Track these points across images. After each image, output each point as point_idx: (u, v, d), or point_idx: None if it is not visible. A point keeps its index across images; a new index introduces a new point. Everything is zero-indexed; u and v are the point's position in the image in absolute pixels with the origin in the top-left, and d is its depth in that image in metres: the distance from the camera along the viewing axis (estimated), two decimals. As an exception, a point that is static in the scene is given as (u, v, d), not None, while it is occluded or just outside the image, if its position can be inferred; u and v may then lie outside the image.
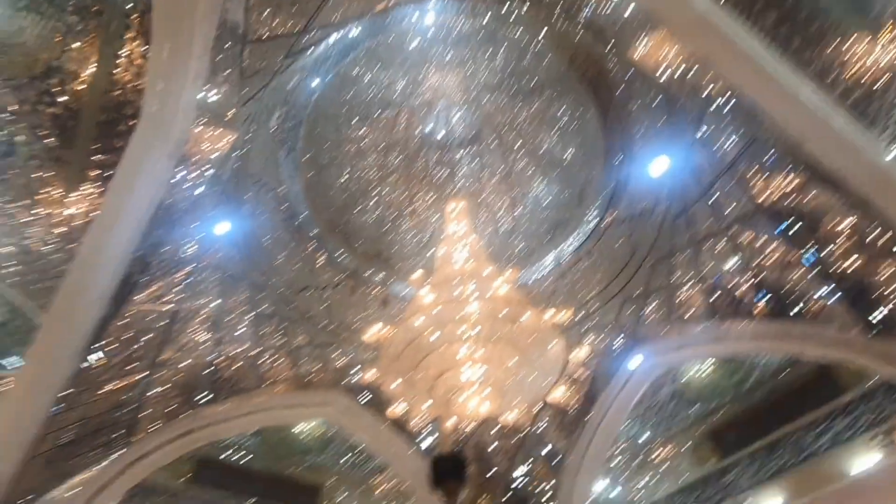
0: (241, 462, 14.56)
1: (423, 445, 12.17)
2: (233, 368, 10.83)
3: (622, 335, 11.73)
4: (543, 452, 11.78)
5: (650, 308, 11.41)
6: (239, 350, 10.86)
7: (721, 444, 13.50)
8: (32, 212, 9.31)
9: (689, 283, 10.82)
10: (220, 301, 10.46)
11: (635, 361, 11.60)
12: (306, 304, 12.01)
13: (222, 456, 14.26)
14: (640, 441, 14.63)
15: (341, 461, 15.34)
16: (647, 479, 14.78)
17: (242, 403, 10.87)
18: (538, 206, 13.99)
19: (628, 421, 13.46)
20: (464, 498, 3.77)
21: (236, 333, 10.83)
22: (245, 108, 8.97)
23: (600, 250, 12.82)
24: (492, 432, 11.82)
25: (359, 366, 11.74)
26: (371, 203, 13.74)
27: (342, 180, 13.23)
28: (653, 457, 14.81)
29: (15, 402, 7.90)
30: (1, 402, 7.97)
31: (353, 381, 11.96)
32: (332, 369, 11.86)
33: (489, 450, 11.82)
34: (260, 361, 11.12)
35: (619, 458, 14.74)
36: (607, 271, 12.37)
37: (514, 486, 11.60)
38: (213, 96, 8.25)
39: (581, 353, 7.76)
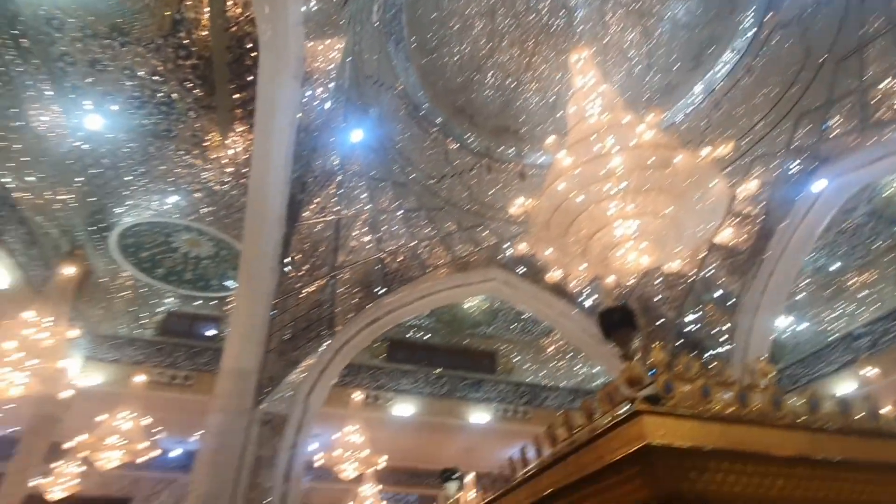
0: (425, 339, 16.59)
1: (586, 304, 12.50)
2: (397, 262, 11.92)
3: (800, 158, 10.20)
4: (715, 296, 11.32)
5: (835, 119, 9.62)
6: (398, 245, 11.83)
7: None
8: (204, 158, 10.71)
9: (890, 78, 8.79)
10: (371, 204, 11.31)
11: (819, 185, 10.13)
12: (448, 192, 12.41)
13: (408, 335, 16.36)
14: (830, 270, 13.25)
15: (511, 328, 16.57)
16: (840, 309, 13.56)
17: (412, 290, 12.05)
18: (676, 29, 12.05)
19: (813, 253, 12.15)
20: (636, 347, 3.84)
21: (392, 230, 11.76)
22: (345, 9, 8.86)
23: (763, 64, 10.85)
24: (655, 283, 11.63)
25: (509, 241, 12.10)
26: (488, 76, 13.13)
27: (454, 59, 12.73)
28: (847, 285, 13.39)
29: (243, 314, 9.76)
30: (236, 315, 9.87)
31: (507, 256, 12.44)
32: (485, 248, 12.39)
33: (655, 300, 11.71)
34: (419, 252, 12.02)
35: (805, 291, 13.61)
36: (774, 86, 10.54)
37: (686, 330, 11.49)
38: (314, 6, 8.26)
39: (750, 186, 6.95)
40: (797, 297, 13.47)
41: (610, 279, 7.34)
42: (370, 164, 11.20)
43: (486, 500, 6.04)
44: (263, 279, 9.51)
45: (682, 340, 11.57)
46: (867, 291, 13.03)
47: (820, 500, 3.57)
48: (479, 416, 14.37)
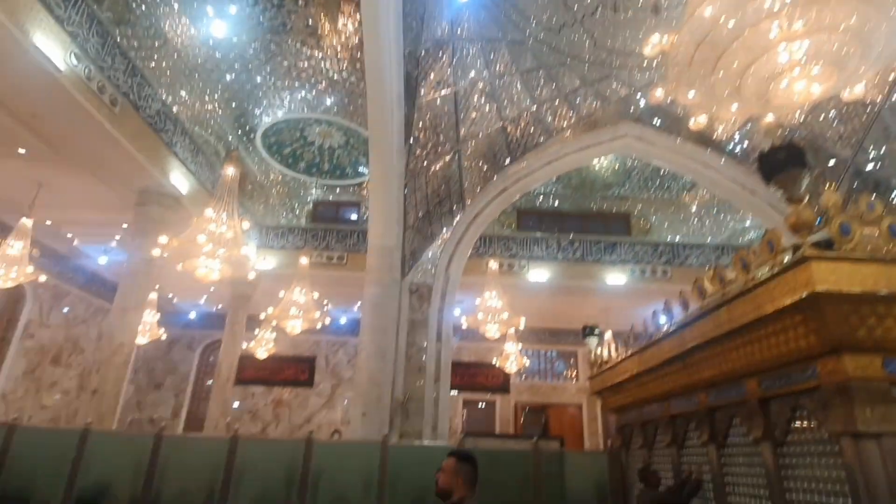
0: (554, 206, 16.39)
1: (737, 151, 11.16)
2: (520, 128, 11.51)
3: None
4: (908, 125, 9.33)
5: None
6: (519, 111, 11.32)
7: None
8: (321, 47, 10.83)
9: None
10: (486, 71, 10.77)
11: None
12: (568, 44, 11.27)
13: (537, 204, 16.29)
14: None
15: (646, 187, 15.59)
16: None
17: (538, 157, 11.70)
18: None
19: None
20: (804, 188, 3.38)
21: (512, 96, 11.21)
22: None
23: None
24: (828, 116, 9.87)
25: (641, 91, 10.91)
26: None
27: None
28: None
29: (379, 196, 10.40)
30: (373, 198, 10.54)
31: (639, 108, 11.33)
32: (614, 102, 11.35)
33: (826, 137, 10.03)
34: (542, 115, 11.43)
35: None
36: None
37: (866, 170, 9.82)
38: None
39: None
40: None
41: (769, 118, 6.37)
42: (482, 24, 10.46)
43: (629, 353, 6.20)
44: (392, 161, 9.89)
45: (859, 182, 9.96)
46: None
47: None
48: (616, 277, 14.31)
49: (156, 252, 8.23)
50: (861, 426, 2.98)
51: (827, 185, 4.67)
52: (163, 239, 8.17)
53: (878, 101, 9.16)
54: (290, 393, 17.80)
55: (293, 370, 18.00)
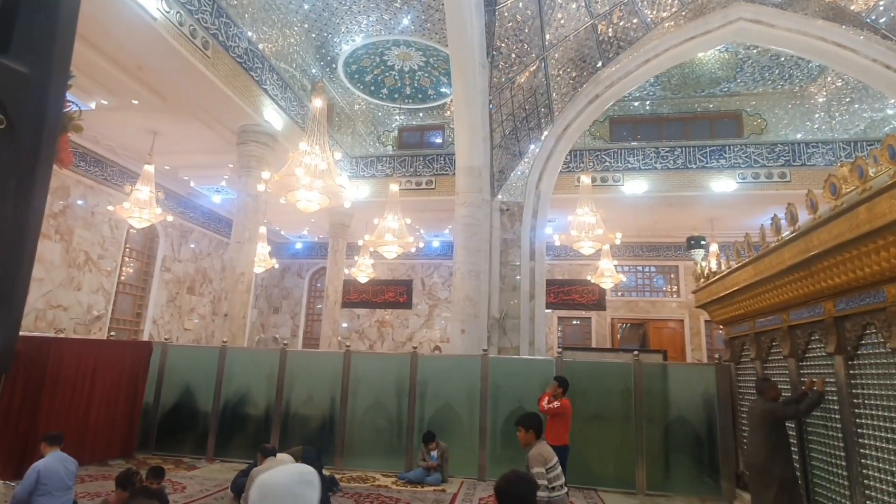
0: (650, 111, 15.07)
1: (881, 22, 9.38)
2: (613, 24, 10.44)
3: None
4: None
5: None
6: (612, 3, 10.22)
7: None
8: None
9: None
10: (573, -38, 9.72)
11: None
12: (668, -83, 9.79)
13: (631, 110, 15.07)
14: None
15: (762, 79, 13.77)
16: None
17: (634, 56, 10.65)
18: None
19: None
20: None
21: (602, -11, 10.10)
22: None
23: None
24: None
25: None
26: None
27: None
28: None
29: (464, 114, 10.12)
30: (458, 118, 10.31)
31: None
32: (725, -20, 9.86)
33: None
34: (638, 7, 10.25)
35: None
36: None
37: None
38: None
39: None
40: None
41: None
42: None
43: (742, 263, 5.77)
44: (475, 77, 9.48)
45: None
46: None
47: None
48: (724, 184, 13.11)
49: (260, 188, 8.77)
50: None
51: None
52: (265, 175, 8.67)
53: None
54: (392, 314, 18.97)
55: (393, 293, 19.04)
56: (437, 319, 18.58)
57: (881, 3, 9.23)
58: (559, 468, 3.72)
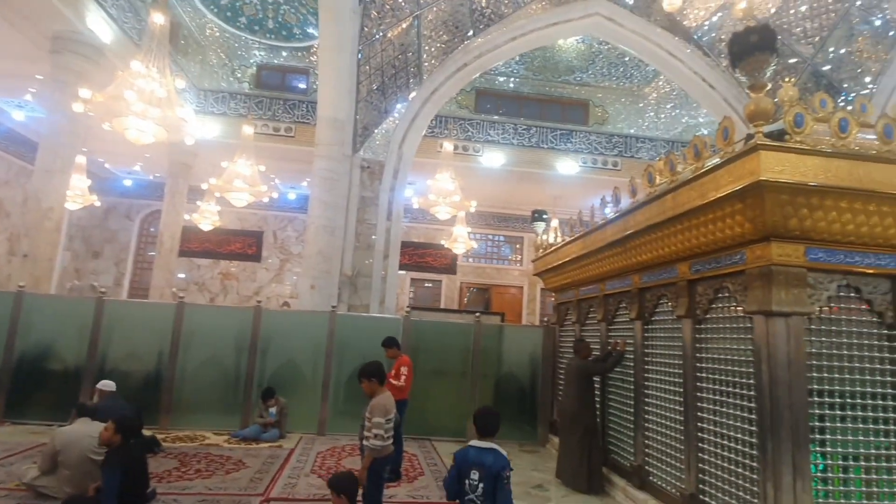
0: (514, 88, 15.82)
1: (704, 40, 10.88)
2: (486, -3, 10.62)
3: None
4: (875, 24, 9.27)
5: None
6: (487, -24, 10.37)
7: None
8: None
9: None
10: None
11: None
12: None
13: (496, 84, 15.65)
14: None
15: (608, 74, 15.20)
16: None
17: (503, 31, 10.99)
18: None
19: None
20: (767, 76, 3.33)
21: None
22: None
23: None
24: (795, 12, 9.63)
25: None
26: None
27: None
28: None
29: (330, 62, 9.59)
30: (323, 64, 9.72)
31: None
32: (588, -25, 10.56)
33: (792, 34, 9.89)
34: (511, -16, 10.54)
35: None
36: None
37: (823, 69, 9.89)
38: None
39: None
40: None
41: (742, 5, 6.14)
42: None
43: (573, 237, 6.41)
44: (345, 22, 9.00)
45: (812, 83, 10.08)
46: None
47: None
48: (568, 166, 14.41)
49: (78, 108, 7.39)
50: (775, 306, 3.27)
51: (787, 80, 4.65)
52: (84, 93, 7.30)
53: (849, -3, 8.98)
54: (238, 266, 17.76)
55: (240, 244, 17.78)
56: (289, 275, 17.87)
57: (707, 23, 10.71)
58: (394, 420, 3.87)
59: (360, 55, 9.41)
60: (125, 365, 7.24)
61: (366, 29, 9.30)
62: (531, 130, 14.58)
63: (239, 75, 14.65)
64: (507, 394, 7.83)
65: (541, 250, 8.02)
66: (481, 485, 2.87)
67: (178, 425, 7.04)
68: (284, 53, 14.27)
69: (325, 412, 7.34)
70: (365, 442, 3.66)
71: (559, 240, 7.19)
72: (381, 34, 9.70)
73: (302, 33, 13.17)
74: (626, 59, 14.04)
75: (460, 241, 13.84)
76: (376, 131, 11.10)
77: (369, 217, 10.69)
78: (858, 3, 9.11)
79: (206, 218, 13.32)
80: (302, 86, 14.63)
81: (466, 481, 2.91)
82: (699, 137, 3.80)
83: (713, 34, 10.90)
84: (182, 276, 16.99)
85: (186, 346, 7.33)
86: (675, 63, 11.43)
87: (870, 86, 9.60)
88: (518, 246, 19.32)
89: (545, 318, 9.27)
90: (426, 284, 18.89)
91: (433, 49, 10.65)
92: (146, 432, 5.49)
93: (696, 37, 10.97)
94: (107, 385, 5.51)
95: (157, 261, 13.45)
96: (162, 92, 7.36)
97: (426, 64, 10.69)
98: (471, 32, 10.83)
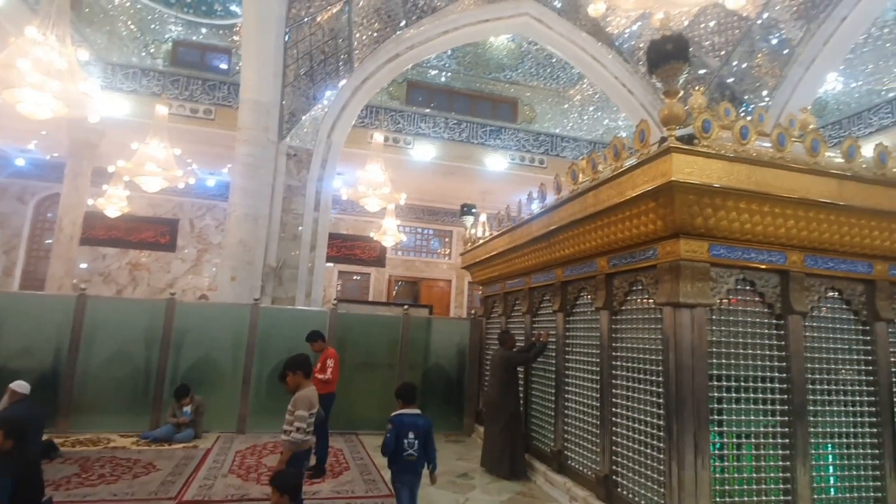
0: (445, 82, 15.88)
1: (625, 48, 11.46)
2: (419, -12, 10.55)
3: None
4: (773, 42, 10.19)
5: None
6: (420, -33, 10.30)
7: None
8: None
9: None
10: None
11: None
12: None
13: (428, 77, 15.63)
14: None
15: (537, 74, 15.64)
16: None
17: (436, 24, 10.98)
18: None
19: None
20: (680, 83, 3.57)
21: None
22: None
23: None
24: (705, 26, 10.39)
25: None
26: None
27: None
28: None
29: (254, 42, 9.12)
30: (247, 44, 9.23)
31: (543, -13, 10.91)
32: (519, -25, 10.79)
33: (702, 46, 10.65)
34: (444, -23, 10.53)
35: (873, 43, 12.16)
36: None
37: (728, 81, 10.74)
38: None
39: None
40: (864, 50, 12.11)
41: (659, 15, 6.51)
42: None
43: (500, 232, 6.55)
44: (272, 2, 8.60)
45: (717, 93, 10.94)
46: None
47: (815, 241, 3.80)
48: (497, 162, 14.70)
49: (-43, 74, 6.54)
50: (682, 298, 3.53)
51: (696, 89, 5.02)
52: (-35, 59, 6.47)
53: (751, 15, 9.80)
54: (150, 256, 16.56)
55: (152, 232, 16.56)
56: (207, 266, 16.92)
57: (627, 31, 11.29)
58: (317, 415, 3.80)
59: (287, 37, 9.03)
60: (16, 363, 6.54)
61: (293, 10, 8.94)
62: (462, 125, 14.73)
63: (153, 51, 13.62)
64: (434, 385, 7.90)
65: (469, 244, 8.14)
66: (417, 441, 3.56)
67: (78, 428, 6.48)
68: (204, 30, 13.43)
69: (246, 409, 7.05)
70: (284, 436, 3.56)
71: (487, 234, 7.33)
72: (309, 17, 9.35)
73: (224, 10, 12.46)
74: (554, 60, 14.51)
75: (389, 233, 13.74)
76: (304, 118, 10.72)
77: (296, 207, 10.34)
78: (759, 22, 9.97)
79: (114, 203, 12.28)
80: (223, 66, 13.85)
81: (405, 441, 3.54)
82: (618, 139, 4.01)
83: (633, 42, 11.51)
84: (84, 266, 15.62)
85: (89, 341, 6.75)
86: (598, 67, 11.96)
87: (766, 99, 10.56)
88: (447, 240, 19.49)
89: (472, 311, 9.43)
90: (354, 277, 18.61)
91: (364, 37, 10.44)
92: (42, 437, 4.99)
93: (617, 43, 11.53)
94: (21, 387, 4.74)
95: (54, 249, 12.25)
96: (62, 63, 6.68)
97: (357, 52, 10.46)
98: (403, 23, 10.73)
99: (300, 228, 10.48)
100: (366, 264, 18.35)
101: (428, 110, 14.87)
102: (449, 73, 15.80)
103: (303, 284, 10.36)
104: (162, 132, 9.99)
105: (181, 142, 11.14)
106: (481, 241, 7.45)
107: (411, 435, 3.56)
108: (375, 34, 10.49)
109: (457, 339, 8.09)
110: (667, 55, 3.21)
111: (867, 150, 4.00)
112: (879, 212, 3.78)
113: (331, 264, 16.54)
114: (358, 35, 10.36)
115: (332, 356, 5.74)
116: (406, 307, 8.19)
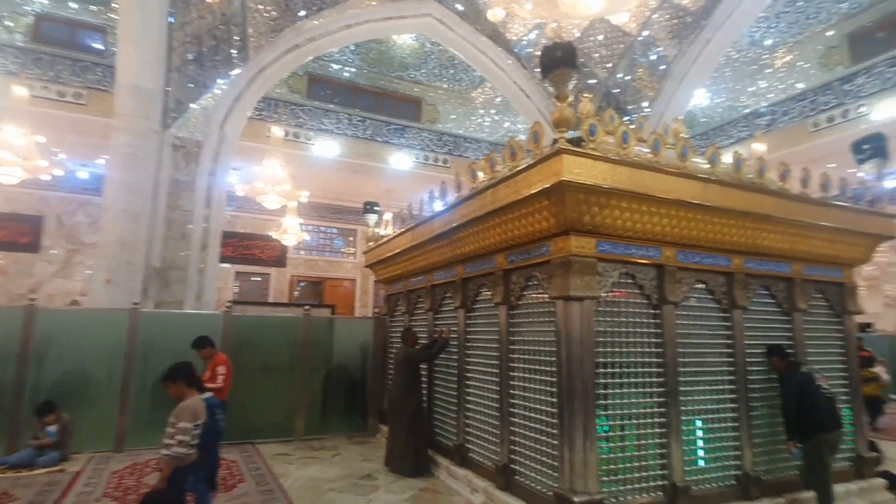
0: (349, 77, 15.57)
1: (522, 54, 11.95)
2: (319, -21, 10.22)
3: None
4: (651, 58, 11.17)
5: None
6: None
7: (856, 48, 12.06)
8: None
9: None
10: None
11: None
12: None
13: (331, 71, 15.23)
14: (764, 44, 13.26)
15: (440, 74, 15.83)
16: (758, 86, 14.08)
17: (338, 17, 10.70)
18: None
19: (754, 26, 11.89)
20: (570, 88, 3.77)
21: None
22: None
23: None
24: (594, 39, 11.14)
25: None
26: None
27: None
28: (774, 62, 13.66)
29: (134, 22, 8.32)
30: (124, 24, 8.38)
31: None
32: (424, -23, 10.85)
33: (592, 57, 11.40)
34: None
35: (732, 65, 13.78)
36: None
37: (614, 91, 11.60)
38: None
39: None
40: (726, 71, 13.68)
41: (553, 25, 6.88)
42: None
43: (403, 230, 6.54)
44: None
45: (607, 101, 11.78)
46: (788, 70, 13.45)
47: (685, 238, 4.22)
48: (402, 160, 14.68)
49: None
50: (572, 292, 3.74)
51: (586, 97, 5.37)
52: None
53: (633, 32, 10.67)
54: (7, 258, 14.49)
55: (9, 231, 14.49)
56: (79, 268, 15.13)
57: (525, 38, 11.79)
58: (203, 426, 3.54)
59: (171, 18, 8.31)
60: None
61: (180, -8, 8.27)
62: (366, 122, 14.52)
63: (10, 24, 11.96)
64: (337, 386, 7.71)
65: (372, 242, 8.04)
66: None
67: None
68: (74, 5, 12.04)
69: (125, 425, 6.40)
70: (165, 450, 3.28)
71: (391, 232, 7.29)
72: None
73: (97, -16, 11.22)
74: (457, 62, 14.78)
75: (291, 232, 13.18)
76: (193, 107, 9.93)
77: (184, 203, 9.54)
78: (640, 38, 10.88)
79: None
80: (97, 45, 12.50)
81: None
82: (515, 140, 4.16)
83: (530, 49, 12.04)
84: (-82, 269, 13.33)
85: (-79, 357, 5.75)
86: (497, 71, 12.37)
87: (646, 110, 11.56)
88: (351, 238, 19.13)
89: (377, 310, 9.34)
90: (253, 278, 17.64)
91: (261, 25, 9.90)
92: None
93: (516, 50, 12.01)
94: None
95: None
96: None
97: (253, 40, 9.90)
98: (303, 13, 10.33)
99: (189, 226, 9.71)
100: (266, 264, 17.48)
101: (331, 106, 14.49)
102: (353, 69, 15.52)
103: (193, 286, 9.61)
104: (21, 116, 8.77)
105: (46, 128, 9.86)
106: (384, 240, 7.39)
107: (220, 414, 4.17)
108: (272, 22, 9.99)
109: (360, 338, 7.95)
110: (557, 61, 3.39)
111: (727, 157, 4.51)
112: (736, 211, 4.27)
113: (227, 265, 15.56)
114: (253, 21, 9.81)
115: (223, 363, 5.38)
116: (307, 308, 7.90)
